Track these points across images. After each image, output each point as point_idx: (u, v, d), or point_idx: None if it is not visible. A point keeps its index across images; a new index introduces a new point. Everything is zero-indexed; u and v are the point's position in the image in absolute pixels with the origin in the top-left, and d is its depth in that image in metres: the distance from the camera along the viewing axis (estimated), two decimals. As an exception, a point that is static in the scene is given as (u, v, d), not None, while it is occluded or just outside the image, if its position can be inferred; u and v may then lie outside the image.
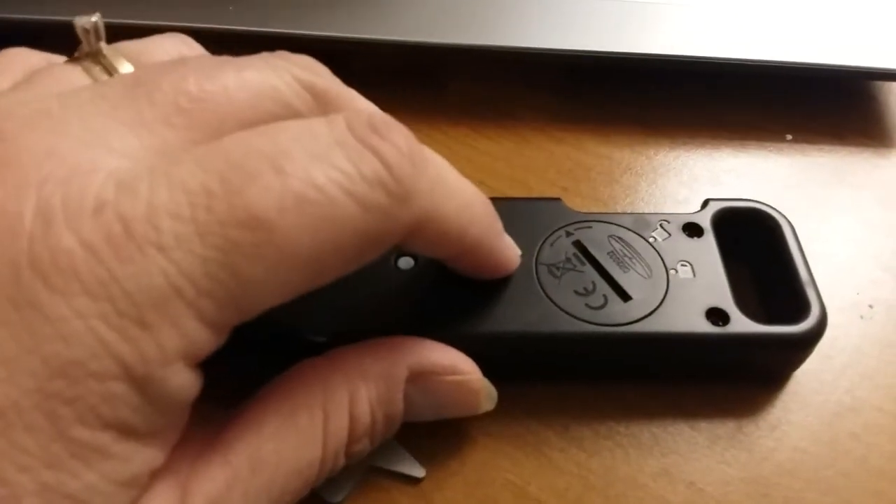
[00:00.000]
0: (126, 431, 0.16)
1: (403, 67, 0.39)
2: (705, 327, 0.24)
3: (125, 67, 0.20)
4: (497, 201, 0.23)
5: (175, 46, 0.22)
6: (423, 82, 0.38)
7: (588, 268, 0.25)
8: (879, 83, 0.38)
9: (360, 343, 0.22)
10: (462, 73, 0.38)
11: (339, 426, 0.20)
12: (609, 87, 0.38)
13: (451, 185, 0.20)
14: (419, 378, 0.22)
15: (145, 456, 0.17)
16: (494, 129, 0.35)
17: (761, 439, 0.25)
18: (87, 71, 0.20)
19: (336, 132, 0.18)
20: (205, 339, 0.16)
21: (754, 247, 0.27)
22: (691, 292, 0.25)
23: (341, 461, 0.21)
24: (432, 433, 0.24)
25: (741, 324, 0.24)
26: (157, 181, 0.16)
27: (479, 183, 0.32)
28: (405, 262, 0.25)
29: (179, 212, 0.16)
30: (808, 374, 0.26)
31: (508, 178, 0.33)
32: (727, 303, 0.24)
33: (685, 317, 0.24)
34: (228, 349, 0.17)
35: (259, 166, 0.16)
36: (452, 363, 0.22)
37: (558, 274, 0.25)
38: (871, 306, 0.29)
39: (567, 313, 0.24)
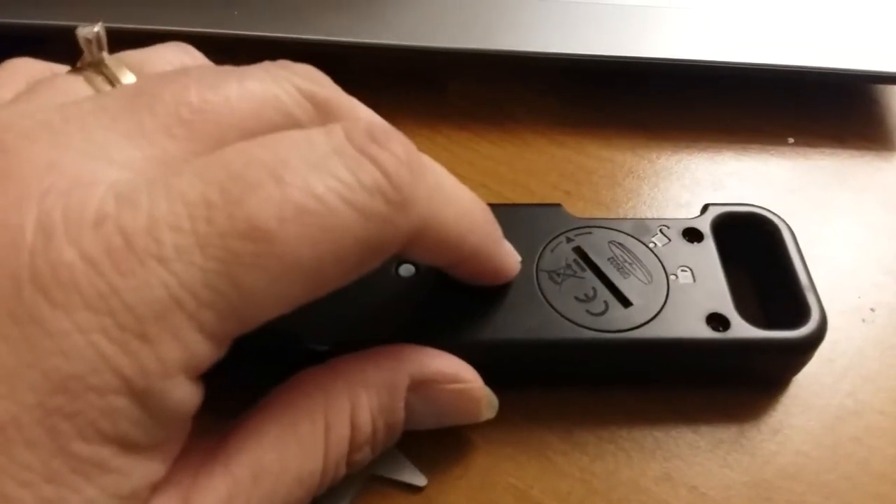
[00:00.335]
0: (127, 445, 0.16)
1: (406, 71, 0.39)
2: (706, 333, 0.24)
3: (127, 77, 0.20)
4: (497, 208, 0.23)
5: (177, 56, 0.22)
6: (425, 86, 0.38)
7: (588, 274, 0.25)
8: (881, 86, 0.38)
9: (361, 352, 0.22)
10: (464, 76, 0.38)
11: (341, 435, 0.20)
12: (611, 91, 0.38)
13: (450, 192, 0.20)
14: (420, 386, 0.22)
15: (146, 470, 0.17)
16: (496, 132, 0.36)
17: (763, 443, 0.25)
18: (90, 81, 0.20)
19: (334, 141, 0.18)
20: (206, 351, 0.16)
21: (754, 251, 0.27)
22: (691, 298, 0.25)
23: (342, 470, 0.21)
24: (435, 437, 0.24)
25: (741, 329, 0.24)
26: (157, 193, 0.16)
27: (481, 186, 0.32)
28: (406, 270, 0.25)
29: (179, 223, 0.16)
30: (810, 378, 0.26)
31: (510, 181, 0.33)
32: (727, 308, 0.24)
33: (685, 322, 0.24)
34: (229, 360, 0.17)
35: (259, 177, 0.16)
36: (454, 371, 0.22)
37: (559, 280, 0.25)
38: (872, 310, 0.29)
39: (568, 320, 0.24)
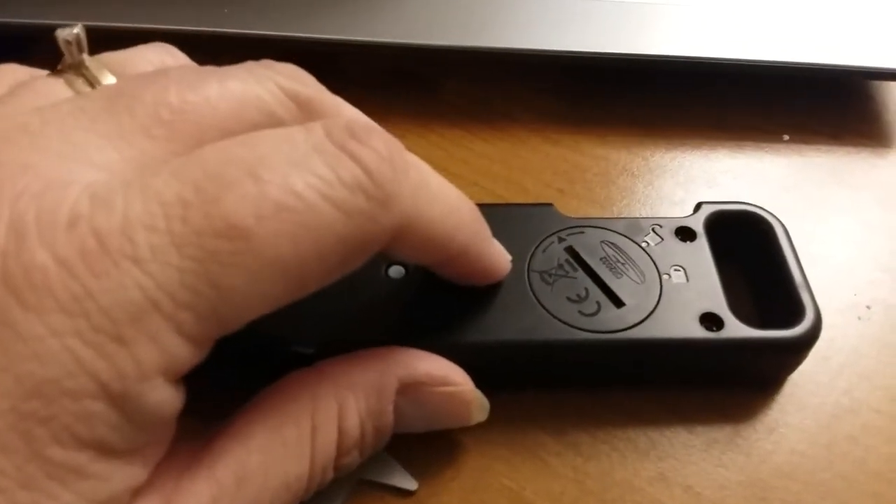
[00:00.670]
0: (104, 450, 0.16)
1: (399, 69, 0.39)
2: (699, 332, 0.24)
3: (108, 79, 0.20)
4: (488, 207, 0.23)
5: (158, 56, 0.22)
6: (418, 84, 0.38)
7: (581, 274, 0.25)
8: (877, 83, 0.38)
9: (349, 354, 0.22)
10: (457, 74, 0.38)
11: (328, 439, 0.20)
12: (605, 88, 0.37)
13: (435, 189, 0.20)
14: (410, 389, 0.21)
15: (125, 475, 0.16)
16: (490, 130, 0.35)
17: (758, 442, 0.25)
18: (70, 83, 0.20)
19: (314, 139, 0.17)
20: (185, 354, 0.16)
21: (748, 250, 0.27)
22: (685, 297, 0.25)
23: (330, 474, 0.21)
24: (426, 440, 0.23)
25: (735, 329, 0.24)
26: (132, 193, 0.16)
27: (475, 185, 0.32)
28: (396, 271, 0.25)
29: (154, 223, 0.15)
30: (806, 376, 0.26)
31: (504, 179, 0.33)
32: (721, 307, 0.24)
33: (679, 322, 0.24)
34: (213, 362, 0.17)
35: (236, 174, 0.16)
36: (444, 374, 0.22)
37: (551, 281, 0.25)
38: (868, 307, 0.28)
39: (560, 321, 0.24)
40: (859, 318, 0.28)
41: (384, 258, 0.25)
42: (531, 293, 0.25)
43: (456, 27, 0.35)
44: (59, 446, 0.15)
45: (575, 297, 0.25)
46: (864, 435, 0.25)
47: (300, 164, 0.17)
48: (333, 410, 0.20)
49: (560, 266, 0.25)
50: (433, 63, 0.39)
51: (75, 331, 0.15)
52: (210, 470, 0.18)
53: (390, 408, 0.21)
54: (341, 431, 0.20)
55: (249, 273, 0.16)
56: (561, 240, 0.26)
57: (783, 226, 0.27)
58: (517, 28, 0.35)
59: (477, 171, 0.33)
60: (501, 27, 0.35)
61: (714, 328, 0.24)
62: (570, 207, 0.31)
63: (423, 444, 0.24)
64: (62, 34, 0.20)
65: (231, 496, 0.18)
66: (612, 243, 0.26)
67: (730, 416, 0.25)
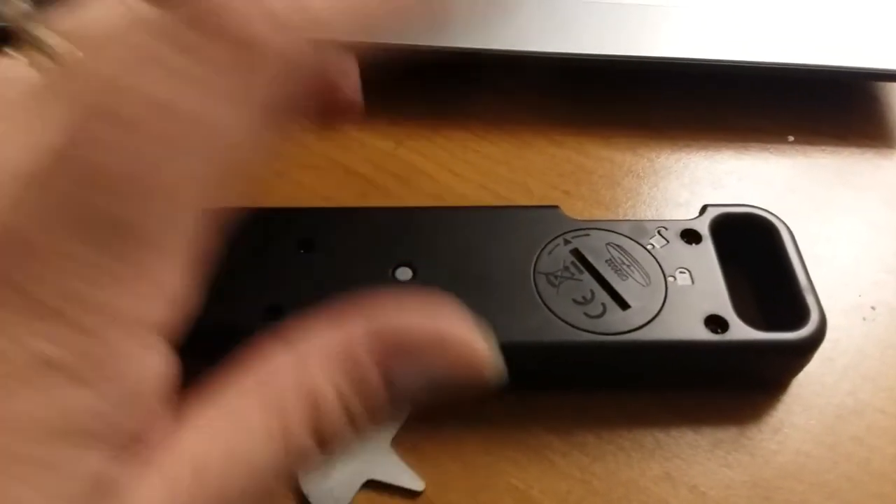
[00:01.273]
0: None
1: (403, 71, 0.38)
2: (704, 335, 0.24)
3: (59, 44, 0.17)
4: (494, 210, 0.23)
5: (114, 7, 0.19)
6: (423, 87, 0.38)
7: (586, 276, 0.25)
8: (882, 84, 0.38)
9: (314, 316, 0.17)
10: (463, 76, 0.38)
11: (297, 417, 0.16)
12: (610, 90, 0.37)
13: None
14: (395, 349, 0.17)
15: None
16: (495, 132, 0.35)
17: (764, 443, 0.25)
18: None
19: None
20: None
21: (753, 253, 0.27)
22: (690, 299, 0.25)
23: (312, 448, 0.17)
24: (434, 439, 0.24)
25: (740, 331, 0.24)
26: None
27: (481, 187, 0.32)
28: (403, 273, 0.25)
29: None
30: (811, 377, 0.26)
31: (509, 181, 0.33)
32: (726, 310, 0.24)
33: (684, 324, 0.24)
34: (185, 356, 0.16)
35: None
36: (433, 326, 0.17)
37: (556, 283, 0.25)
38: (873, 308, 0.28)
39: (565, 322, 0.24)
40: (864, 320, 0.28)
41: (391, 260, 0.25)
42: (537, 295, 0.25)
43: (459, 29, 0.35)
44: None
45: (580, 299, 0.25)
46: (869, 436, 0.25)
47: None
48: (302, 383, 0.16)
49: (566, 268, 0.26)
50: (438, 65, 0.39)
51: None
52: (165, 465, 0.16)
53: (374, 371, 0.17)
54: (315, 406, 0.16)
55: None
56: (566, 242, 0.26)
57: (788, 228, 0.27)
58: (521, 30, 0.35)
59: (483, 173, 0.33)
60: (506, 29, 0.35)
61: (719, 330, 0.24)
62: (576, 209, 0.31)
63: (431, 444, 0.24)
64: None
65: (188, 490, 0.16)
66: (617, 245, 0.26)
67: (735, 416, 0.25)
